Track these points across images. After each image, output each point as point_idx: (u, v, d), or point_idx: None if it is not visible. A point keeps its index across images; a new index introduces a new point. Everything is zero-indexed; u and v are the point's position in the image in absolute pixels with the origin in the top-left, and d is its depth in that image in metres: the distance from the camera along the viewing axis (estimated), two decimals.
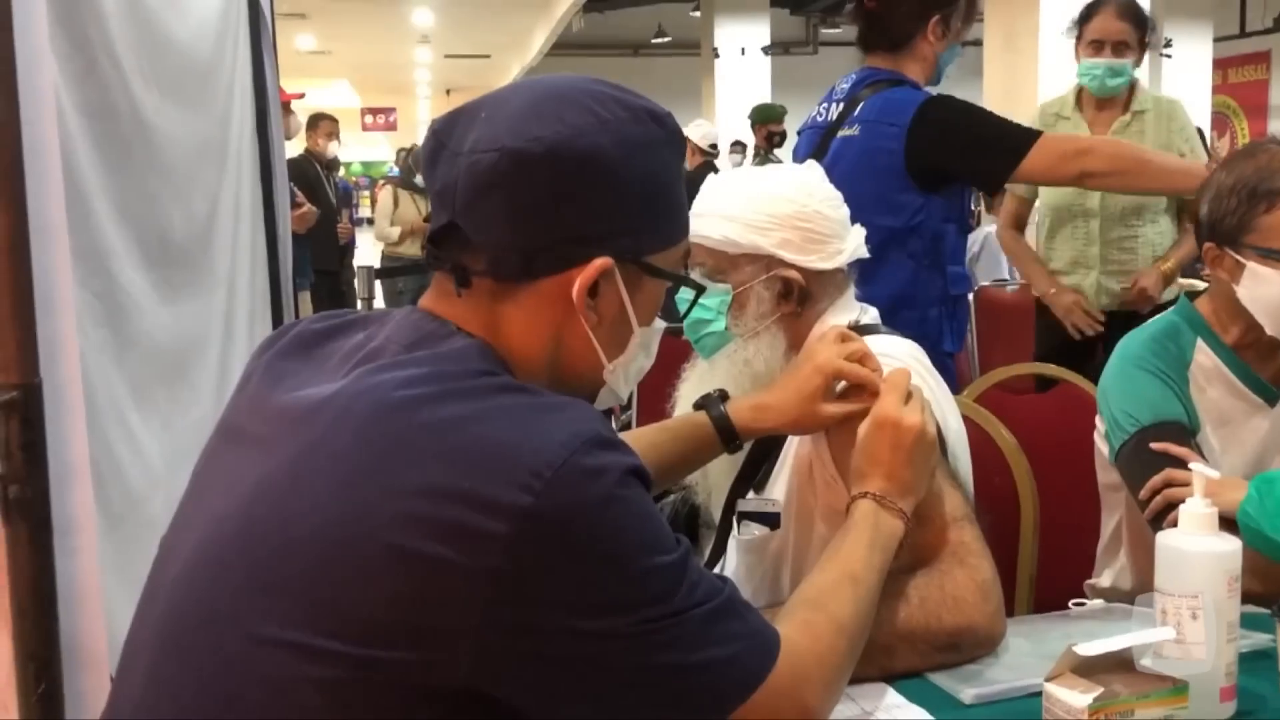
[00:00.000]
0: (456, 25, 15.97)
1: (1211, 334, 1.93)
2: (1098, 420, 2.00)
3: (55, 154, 1.87)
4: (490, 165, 1.07)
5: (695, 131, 7.73)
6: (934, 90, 2.83)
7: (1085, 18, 3.56)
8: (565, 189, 1.08)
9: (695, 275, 1.69)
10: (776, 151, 8.21)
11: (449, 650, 0.95)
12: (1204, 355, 1.92)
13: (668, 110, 1.17)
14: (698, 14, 14.08)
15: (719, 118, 12.47)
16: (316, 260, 7.05)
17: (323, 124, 7.63)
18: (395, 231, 8.45)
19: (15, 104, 1.75)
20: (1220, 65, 12.49)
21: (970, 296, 4.76)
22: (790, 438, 1.71)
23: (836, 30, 15.71)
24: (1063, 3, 6.52)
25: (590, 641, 0.99)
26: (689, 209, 1.25)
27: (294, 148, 6.89)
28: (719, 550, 1.78)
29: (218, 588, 1.02)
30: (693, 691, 1.04)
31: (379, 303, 8.36)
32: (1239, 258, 1.83)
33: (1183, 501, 1.38)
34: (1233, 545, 1.34)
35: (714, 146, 8.05)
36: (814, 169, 1.77)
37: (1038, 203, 3.64)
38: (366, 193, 22.50)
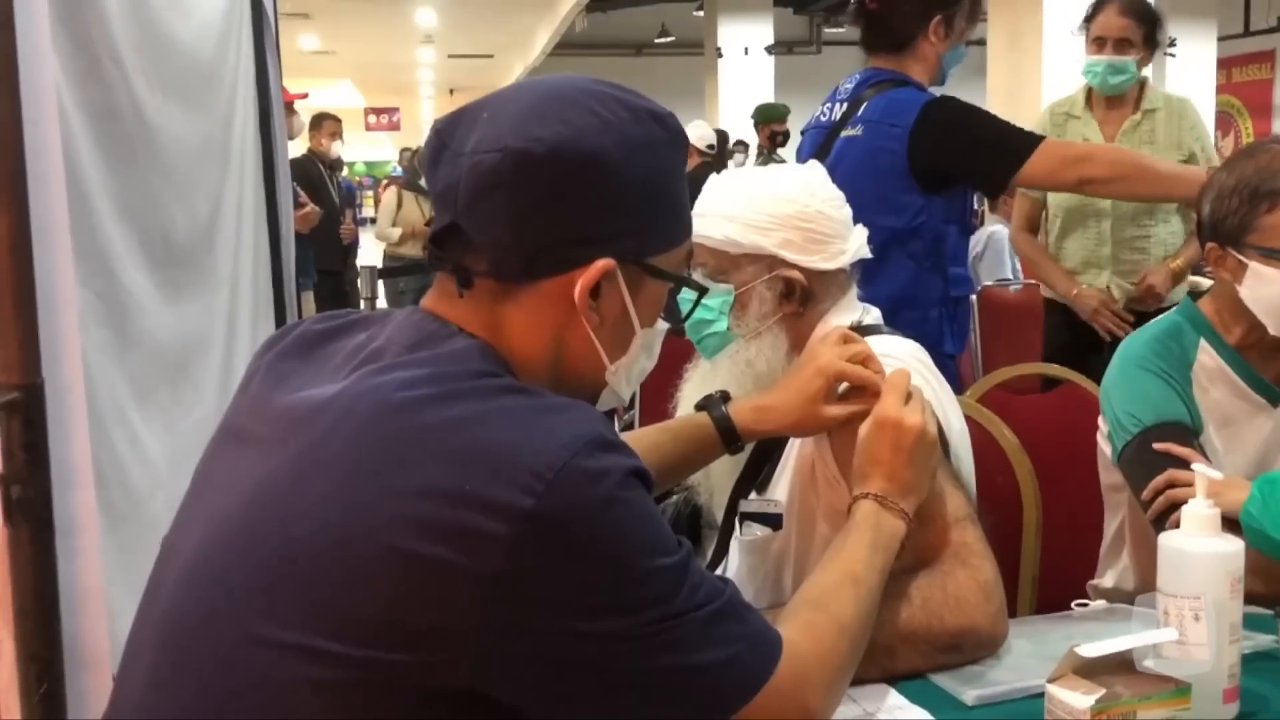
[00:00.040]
0: (460, 25, 15.99)
1: (1214, 334, 1.93)
2: (1100, 420, 2.00)
3: (57, 154, 1.87)
4: (492, 166, 1.07)
5: (693, 132, 7.72)
6: (938, 91, 2.83)
7: (1090, 15, 3.55)
8: (567, 190, 1.08)
9: (697, 275, 1.69)
10: (780, 151, 8.21)
11: (449, 652, 0.95)
12: (1207, 355, 1.92)
13: (670, 111, 1.17)
14: (701, 13, 14.09)
15: (722, 117, 12.47)
16: (320, 260, 7.05)
17: (326, 124, 7.63)
18: (396, 232, 8.44)
19: (17, 104, 1.75)
20: (1224, 64, 12.47)
21: (973, 297, 4.78)
22: (792, 438, 1.71)
23: (840, 30, 15.71)
24: (1066, 2, 6.53)
25: (591, 643, 0.98)
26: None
27: (297, 148, 6.89)
28: (721, 551, 1.78)
29: (218, 588, 1.02)
30: (694, 693, 1.04)
31: (382, 303, 8.37)
32: (1241, 258, 1.83)
33: (1185, 502, 1.38)
34: (1235, 546, 1.34)
35: (711, 147, 8.05)
36: (816, 169, 1.76)
37: (1049, 203, 3.62)
38: (370, 193, 22.50)
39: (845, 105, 2.85)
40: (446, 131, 1.13)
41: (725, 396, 1.67)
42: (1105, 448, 1.99)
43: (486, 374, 1.06)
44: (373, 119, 26.59)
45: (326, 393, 1.06)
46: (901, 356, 1.66)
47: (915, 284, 2.70)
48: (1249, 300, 1.84)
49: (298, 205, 5.57)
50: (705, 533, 1.88)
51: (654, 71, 17.78)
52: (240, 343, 3.11)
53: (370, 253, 9.44)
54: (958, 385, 2.54)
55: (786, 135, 8.18)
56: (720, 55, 13.25)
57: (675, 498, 1.90)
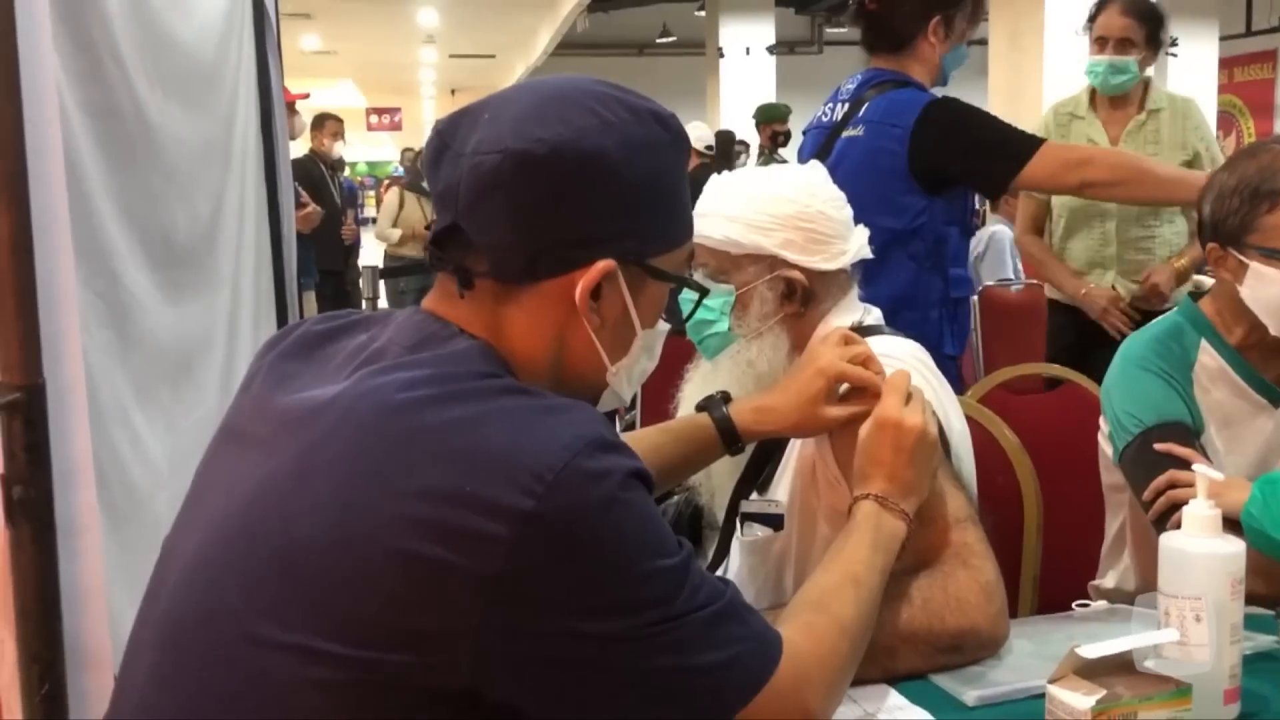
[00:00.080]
0: (461, 25, 15.99)
1: (1215, 334, 1.93)
2: (1101, 421, 2.00)
3: (59, 154, 1.87)
4: (493, 166, 1.07)
5: (691, 133, 7.69)
6: (940, 91, 2.82)
7: (1093, 15, 3.55)
8: (568, 191, 1.08)
9: (698, 276, 1.69)
10: (781, 151, 8.21)
11: (450, 653, 0.95)
12: (1208, 356, 1.92)
13: (671, 112, 1.17)
14: (702, 13, 14.09)
15: (723, 117, 12.47)
16: (321, 260, 7.05)
17: (328, 124, 7.63)
18: (395, 233, 8.44)
19: (19, 104, 1.75)
20: (1226, 64, 12.46)
21: (975, 297, 4.78)
22: (793, 439, 1.71)
23: (841, 30, 15.68)
24: (1068, 2, 6.53)
25: (591, 644, 0.99)
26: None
27: (299, 148, 6.89)
28: (722, 551, 1.78)
29: (218, 588, 1.02)
30: (694, 694, 1.04)
31: (383, 303, 8.37)
32: (1242, 258, 1.83)
33: (1186, 503, 1.38)
34: (1236, 547, 1.34)
35: (710, 148, 8.05)
36: (817, 169, 1.76)
37: (1054, 204, 3.62)
38: (371, 193, 22.51)
39: (847, 106, 2.85)
40: (448, 132, 1.13)
41: (726, 397, 1.67)
42: (1106, 448, 1.99)
43: (487, 375, 1.06)
44: (374, 119, 26.59)
45: (327, 393, 1.06)
46: (902, 357, 1.66)
47: (915, 285, 2.70)
48: (1250, 300, 1.84)
49: (299, 205, 5.58)
50: (706, 533, 1.88)
51: (655, 71, 17.78)
52: (242, 343, 3.11)
53: (372, 253, 9.43)
54: (959, 386, 2.54)
55: (788, 135, 8.18)
56: (722, 55, 13.25)
57: (676, 498, 1.90)
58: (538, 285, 1.11)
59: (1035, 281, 5.12)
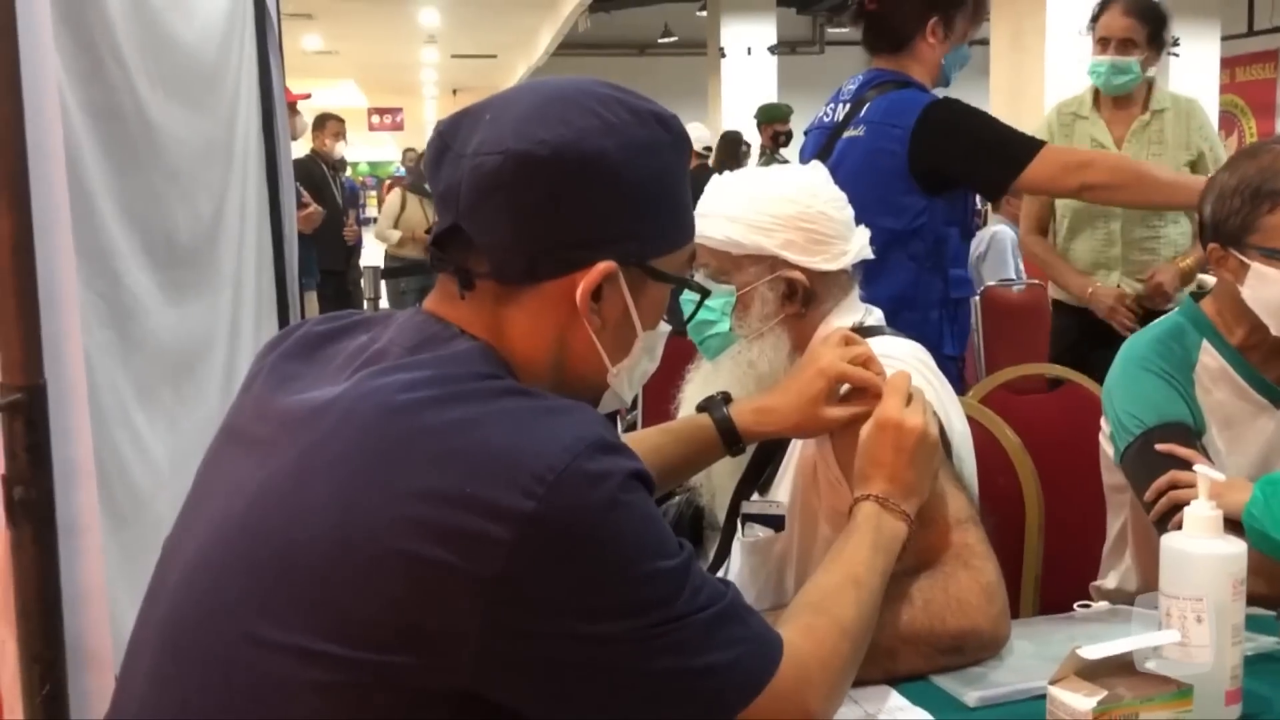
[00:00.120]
0: (463, 25, 15.99)
1: (1217, 335, 1.92)
2: (1103, 421, 2.00)
3: (60, 154, 1.87)
4: (494, 167, 1.07)
5: (689, 134, 7.70)
6: (941, 92, 2.82)
7: (1095, 15, 3.55)
8: (569, 192, 1.08)
9: (699, 276, 1.69)
10: (783, 151, 8.20)
11: (450, 654, 0.95)
12: (1209, 356, 1.92)
13: (673, 113, 1.17)
14: (704, 13, 14.08)
15: (725, 117, 12.47)
16: (323, 260, 7.05)
17: (329, 124, 7.63)
18: (395, 234, 8.43)
19: (20, 104, 1.75)
20: (1228, 64, 12.43)
21: (976, 297, 4.78)
22: (794, 440, 1.71)
23: (843, 29, 15.67)
24: (1070, 2, 6.53)
25: (592, 646, 0.99)
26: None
27: (300, 148, 6.89)
28: (723, 552, 1.78)
29: (219, 589, 1.02)
30: (695, 696, 1.04)
31: (385, 303, 8.38)
32: (1243, 258, 1.83)
33: (1187, 503, 1.38)
34: (1238, 548, 1.34)
35: (708, 149, 8.04)
36: (818, 170, 1.76)
37: (1057, 204, 3.62)
38: (373, 193, 22.51)
39: (848, 106, 2.85)
40: (449, 133, 1.13)
41: (726, 398, 1.67)
42: (1108, 448, 1.99)
43: (488, 376, 1.06)
44: (376, 119, 26.59)
45: (328, 394, 1.06)
46: (903, 358, 1.66)
47: (915, 285, 2.70)
48: (1251, 301, 1.84)
49: (301, 205, 5.58)
50: (707, 534, 1.88)
51: (657, 71, 17.78)
52: (243, 343, 3.11)
53: (374, 253, 9.44)
54: (960, 387, 2.54)
55: (789, 135, 8.18)
56: (723, 55, 13.24)
57: (677, 499, 1.90)
58: (539, 286, 1.11)
59: (1037, 281, 5.12)
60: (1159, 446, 1.80)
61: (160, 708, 1.04)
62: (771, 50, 13.24)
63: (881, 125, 2.73)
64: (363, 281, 8.04)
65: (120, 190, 2.31)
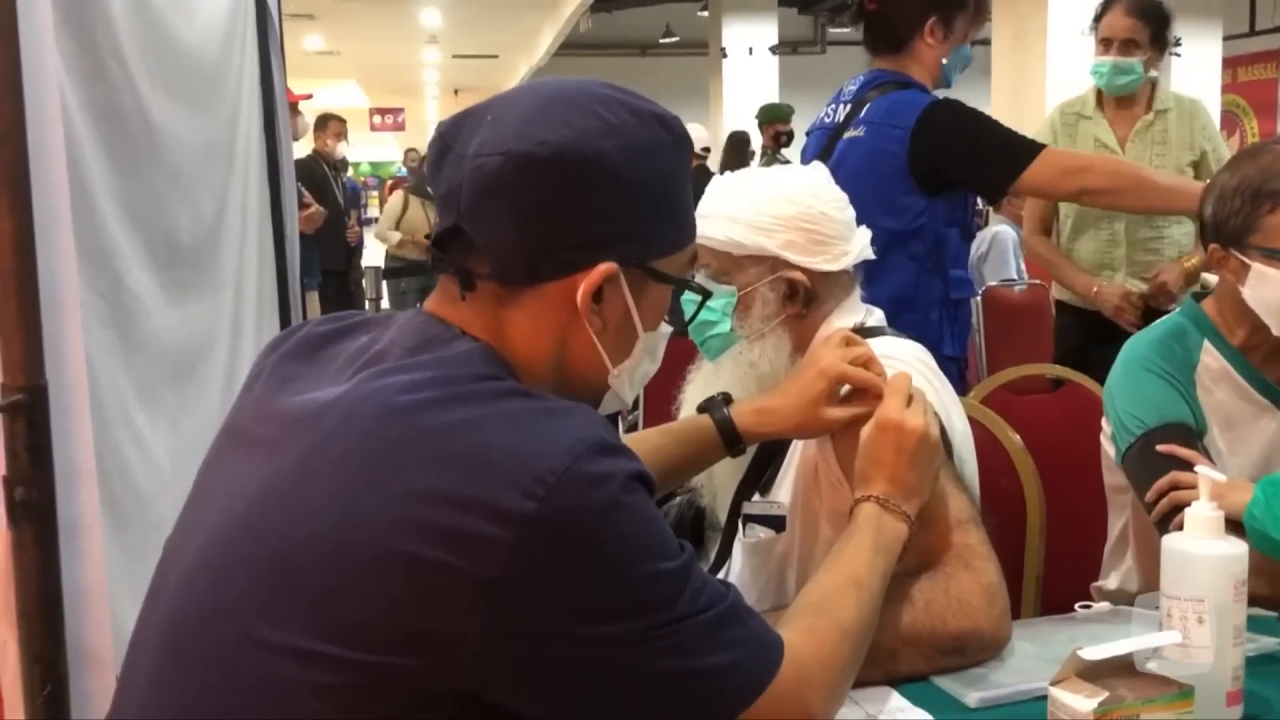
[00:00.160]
0: (464, 25, 15.99)
1: (1218, 335, 1.92)
2: (1104, 422, 2.00)
3: (61, 155, 1.87)
4: (495, 168, 1.07)
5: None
6: (942, 93, 2.82)
7: (1098, 15, 3.54)
8: (570, 193, 1.08)
9: (700, 277, 1.69)
10: (784, 151, 8.20)
11: (450, 655, 0.95)
12: (1210, 357, 1.92)
13: (674, 114, 1.17)
14: (705, 14, 14.08)
15: (727, 118, 12.47)
16: (324, 261, 7.06)
17: (331, 124, 7.64)
18: (395, 236, 8.43)
19: (21, 104, 1.75)
20: (1230, 64, 12.42)
21: (977, 298, 4.77)
22: (796, 440, 1.70)
23: (845, 30, 15.65)
24: (1072, 2, 6.52)
25: (593, 647, 0.98)
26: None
27: (302, 148, 6.89)
28: (724, 553, 1.78)
29: (219, 590, 1.02)
30: (696, 697, 1.04)
31: (386, 303, 8.38)
32: (1244, 259, 1.83)
33: (1188, 504, 1.38)
34: (1239, 548, 1.34)
35: (707, 150, 8.03)
36: (819, 170, 1.76)
37: (1061, 204, 3.61)
38: (375, 193, 22.52)
39: (849, 106, 2.85)
40: (450, 134, 1.13)
41: (727, 398, 1.67)
42: (1109, 449, 1.99)
43: (489, 377, 1.06)
44: (378, 119, 26.58)
45: (329, 395, 1.06)
46: (904, 358, 1.66)
47: (916, 286, 2.69)
48: (1252, 301, 1.84)
49: (302, 206, 5.58)
50: (708, 535, 1.88)
51: (659, 72, 17.78)
52: (245, 343, 3.11)
53: (375, 253, 9.44)
54: (961, 387, 2.53)
55: (791, 135, 8.17)
56: (725, 55, 13.24)
57: (678, 499, 1.90)
58: (539, 287, 1.11)
59: (1038, 282, 5.12)
60: (1160, 447, 1.80)
61: (161, 708, 1.04)
62: (773, 50, 13.24)
63: (881, 126, 2.73)
64: (364, 282, 8.05)
65: (121, 190, 2.31)
